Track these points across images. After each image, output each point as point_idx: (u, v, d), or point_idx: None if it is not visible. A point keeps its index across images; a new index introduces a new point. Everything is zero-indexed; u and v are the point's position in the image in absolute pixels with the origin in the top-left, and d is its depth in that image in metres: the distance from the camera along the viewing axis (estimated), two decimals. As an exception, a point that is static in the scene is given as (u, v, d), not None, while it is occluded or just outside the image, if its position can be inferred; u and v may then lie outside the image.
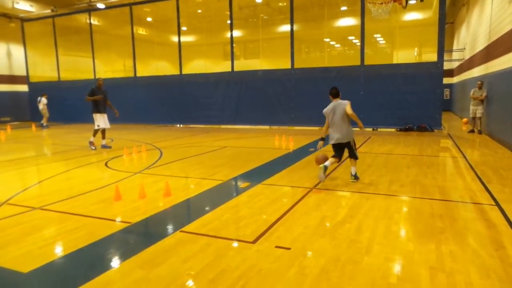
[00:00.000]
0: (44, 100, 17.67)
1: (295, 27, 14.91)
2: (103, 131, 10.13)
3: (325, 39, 19.50)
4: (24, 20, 21.22)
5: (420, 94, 12.77)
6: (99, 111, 9.89)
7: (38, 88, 21.38)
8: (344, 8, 18.80)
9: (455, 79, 22.27)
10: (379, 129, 13.81)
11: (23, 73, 22.02)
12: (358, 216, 4.14)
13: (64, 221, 4.18)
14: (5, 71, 21.82)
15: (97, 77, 19.56)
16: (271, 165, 7.51)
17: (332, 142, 5.80)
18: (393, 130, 13.41)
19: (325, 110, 5.99)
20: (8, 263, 3.10)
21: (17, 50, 22.10)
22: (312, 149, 9.31)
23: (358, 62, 13.72)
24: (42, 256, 3.25)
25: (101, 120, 9.90)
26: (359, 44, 14.13)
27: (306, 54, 22.41)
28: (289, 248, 3.30)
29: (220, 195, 5.38)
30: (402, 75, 13.04)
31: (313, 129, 14.47)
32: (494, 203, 4.56)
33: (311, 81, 14.56)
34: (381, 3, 7.75)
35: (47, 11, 20.30)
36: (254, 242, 3.46)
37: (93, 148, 9.78)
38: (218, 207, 4.60)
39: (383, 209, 4.42)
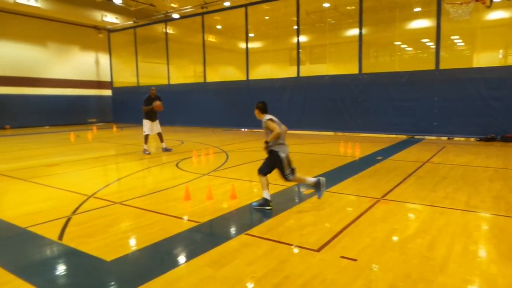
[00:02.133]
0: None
1: (363, 31, 14.46)
2: (160, 135, 10.36)
3: (395, 43, 18.63)
4: (110, 31, 23.48)
5: (506, 100, 11.58)
6: (149, 118, 10.11)
7: (120, 92, 23.52)
8: (417, 9, 17.81)
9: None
10: (455, 139, 12.80)
11: (108, 78, 24.34)
12: (431, 231, 3.89)
13: (140, 216, 4.54)
14: (93, 77, 24.32)
15: (170, 82, 20.90)
16: (336, 172, 7.36)
17: (284, 155, 4.92)
18: (471, 139, 12.34)
19: (275, 119, 5.03)
20: (94, 250, 3.45)
21: (104, 58, 24.52)
22: (380, 158, 8.93)
23: (432, 66, 12.87)
24: (122, 247, 3.56)
25: (148, 127, 10.06)
26: (433, 47, 13.26)
27: (374, 58, 21.61)
28: (355, 260, 3.22)
29: (283, 200, 5.42)
30: (484, 80, 11.94)
31: (382, 136, 13.88)
32: None
33: (380, 87, 14.00)
34: (461, 3, 7.17)
35: (130, 23, 22.25)
36: (318, 250, 3.43)
37: (147, 153, 9.88)
38: (281, 212, 4.64)
39: (460, 225, 4.09)
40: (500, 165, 7.75)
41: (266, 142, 4.89)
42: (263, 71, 21.91)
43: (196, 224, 4.23)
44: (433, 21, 12.93)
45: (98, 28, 23.61)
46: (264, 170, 4.96)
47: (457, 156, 9.12)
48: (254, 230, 3.99)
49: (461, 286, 2.75)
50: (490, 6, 5.63)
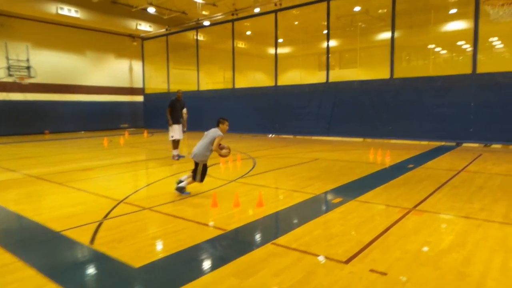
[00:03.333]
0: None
1: (396, 34, 14.11)
2: (178, 141, 10.16)
3: (429, 46, 18.04)
4: (144, 38, 24.26)
5: (549, 106, 10.91)
6: (176, 122, 9.96)
7: (151, 99, 24.20)
8: (453, 11, 17.19)
9: None
10: (492, 146, 12.17)
11: (140, 85, 25.12)
12: (467, 246, 3.70)
13: (168, 222, 4.61)
14: (127, 84, 25.19)
15: (199, 88, 21.26)
16: (365, 180, 7.18)
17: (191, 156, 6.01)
18: (510, 147, 11.68)
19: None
20: (124, 256, 3.53)
21: (137, 65, 25.36)
22: (411, 165, 8.64)
23: (469, 70, 12.35)
24: (151, 254, 3.63)
25: (176, 131, 9.95)
26: (470, 49, 12.72)
27: (407, 62, 21.03)
28: (385, 273, 3.10)
29: (311, 209, 5.34)
30: (526, 84, 11.31)
31: (413, 143, 13.44)
32: None
33: (412, 92, 13.58)
34: (503, 4, 6.82)
35: (162, 30, 22.90)
36: (346, 262, 3.34)
37: (176, 158, 9.83)
38: (309, 221, 4.57)
39: (499, 239, 3.86)
40: (544, 175, 7.28)
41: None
42: (292, 77, 21.85)
43: (222, 232, 4.24)
44: (470, 22, 12.44)
45: (132, 36, 24.47)
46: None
47: (495, 164, 8.66)
48: (281, 240, 3.95)
49: (501, 307, 2.59)
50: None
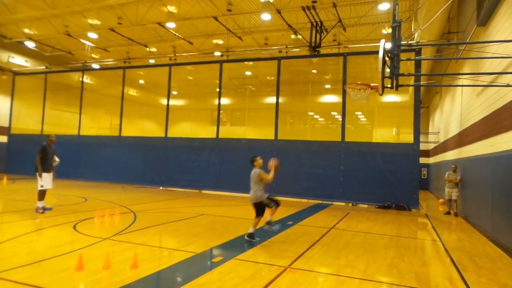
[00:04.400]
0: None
1: (280, 100, 15.60)
2: (45, 192, 8.98)
3: (309, 113, 20.37)
4: (16, 74, 21.62)
5: (398, 173, 13.12)
6: (46, 170, 8.89)
7: (18, 140, 21.09)
8: (327, 86, 19.99)
9: (431, 160, 23.14)
10: (358, 205, 13.87)
11: (6, 124, 21.81)
12: (332, 303, 3.96)
13: (16, 292, 3.85)
14: (-13, 122, 21.63)
15: (80, 133, 19.52)
16: (247, 237, 7.29)
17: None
18: (372, 206, 13.49)
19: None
20: None
21: (3, 101, 22.09)
22: (290, 222, 9.17)
23: (339, 138, 14.21)
24: (-19, 336, 2.92)
25: (47, 180, 8.92)
26: (341, 119, 14.78)
27: (290, 125, 23.20)
28: None
29: (190, 269, 5.11)
30: (381, 154, 13.49)
31: (294, 201, 14.42)
32: (470, 295, 4.46)
33: (293, 153, 14.86)
34: (359, 89, 8.30)
35: (42, 67, 20.87)
36: (219, 329, 3.22)
37: (41, 212, 8.70)
38: (186, 283, 4.35)
39: (358, 295, 4.25)
40: (394, 233, 8.50)
41: None
42: (183, 129, 21.87)
43: (85, 300, 3.72)
44: (340, 98, 14.57)
45: (1, 69, 21.61)
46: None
47: (359, 222, 9.80)
48: (152, 307, 3.63)
49: None
50: (382, 94, 6.62)
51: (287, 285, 4.49)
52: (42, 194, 8.89)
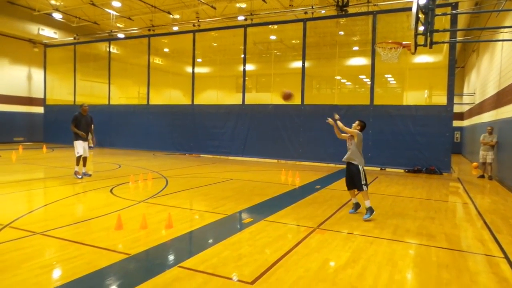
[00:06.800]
0: None
1: (306, 64, 15.25)
2: (84, 158, 9.60)
3: (336, 77, 19.84)
4: (47, 46, 22.16)
5: (429, 136, 12.74)
6: (81, 138, 9.39)
7: (53, 111, 22.00)
8: (355, 48, 19.24)
9: (465, 122, 22.23)
10: (387, 169, 13.70)
11: (41, 95, 22.72)
12: (361, 261, 4.04)
13: (64, 248, 4.16)
14: (24, 93, 22.59)
15: (110, 102, 20.05)
16: (276, 200, 7.45)
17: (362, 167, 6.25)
18: (401, 171, 13.28)
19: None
20: (2, 290, 3.07)
21: (37, 74, 22.94)
22: (318, 186, 9.23)
23: (368, 102, 13.85)
24: (37, 285, 3.21)
25: (81, 148, 9.37)
26: (369, 83, 14.32)
27: (317, 90, 22.74)
28: (287, 292, 3.21)
29: (222, 229, 5.32)
30: (412, 117, 13.08)
31: (321, 165, 14.41)
32: (503, 256, 4.41)
33: (320, 118, 14.61)
34: (390, 48, 7.92)
35: (70, 39, 21.24)
36: (252, 283, 3.38)
37: (79, 177, 9.20)
38: (219, 242, 4.54)
39: (387, 255, 4.30)
40: (424, 196, 8.39)
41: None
42: (209, 96, 21.96)
43: (125, 256, 3.97)
44: (369, 60, 14.05)
45: (33, 41, 22.21)
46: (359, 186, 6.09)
47: (388, 186, 9.73)
48: (188, 262, 3.84)
49: (386, 316, 2.85)
50: (415, 52, 6.30)
51: (316, 245, 4.59)
52: (77, 160, 9.44)
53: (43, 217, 5.64)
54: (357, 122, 6.46)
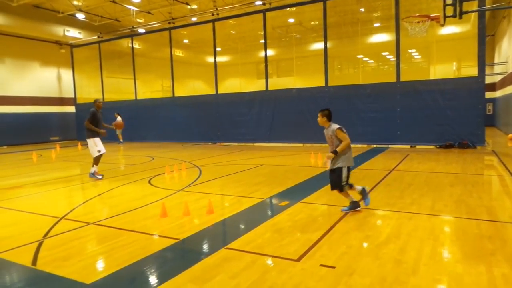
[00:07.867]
0: (118, 118, 17.72)
1: (328, 45, 15.05)
2: (100, 157, 8.83)
3: (358, 56, 19.47)
4: (73, 46, 22.86)
5: (460, 109, 12.41)
6: (98, 135, 8.66)
7: (84, 109, 22.79)
8: (377, 24, 18.77)
9: (498, 93, 21.38)
10: (417, 146, 13.48)
11: (71, 95, 23.58)
12: (402, 236, 4.11)
13: (117, 236, 4.46)
14: (55, 94, 23.51)
15: (137, 97, 20.55)
16: (309, 183, 7.56)
17: (346, 167, 5.14)
18: (432, 147, 13.04)
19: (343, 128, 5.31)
20: (72, 274, 3.36)
21: (66, 74, 23.79)
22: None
23: (393, 79, 13.58)
24: (101, 269, 3.50)
25: (101, 145, 8.74)
26: (393, 59, 14.01)
27: (339, 71, 22.42)
28: (333, 267, 3.35)
29: (260, 213, 5.50)
30: (441, 91, 12.75)
31: (349, 146, 14.32)
32: (547, 225, 4.37)
33: (346, 99, 14.54)
34: (418, 22, 7.71)
35: (94, 37, 21.81)
36: (298, 260, 3.53)
37: (99, 177, 8.59)
38: (259, 225, 4.72)
39: (427, 229, 4.35)
40: (459, 171, 8.27)
41: (335, 152, 5.01)
42: (232, 85, 22.12)
43: (175, 241, 4.22)
44: (393, 35, 13.70)
45: (59, 43, 22.95)
46: (339, 187, 5.10)
47: (420, 163, 9.62)
48: (234, 244, 4.04)
49: (432, 286, 2.95)
50: (444, 24, 6.12)
51: (355, 223, 4.69)
52: (97, 159, 8.76)
53: (91, 209, 6.00)
54: (319, 114, 5.39)
